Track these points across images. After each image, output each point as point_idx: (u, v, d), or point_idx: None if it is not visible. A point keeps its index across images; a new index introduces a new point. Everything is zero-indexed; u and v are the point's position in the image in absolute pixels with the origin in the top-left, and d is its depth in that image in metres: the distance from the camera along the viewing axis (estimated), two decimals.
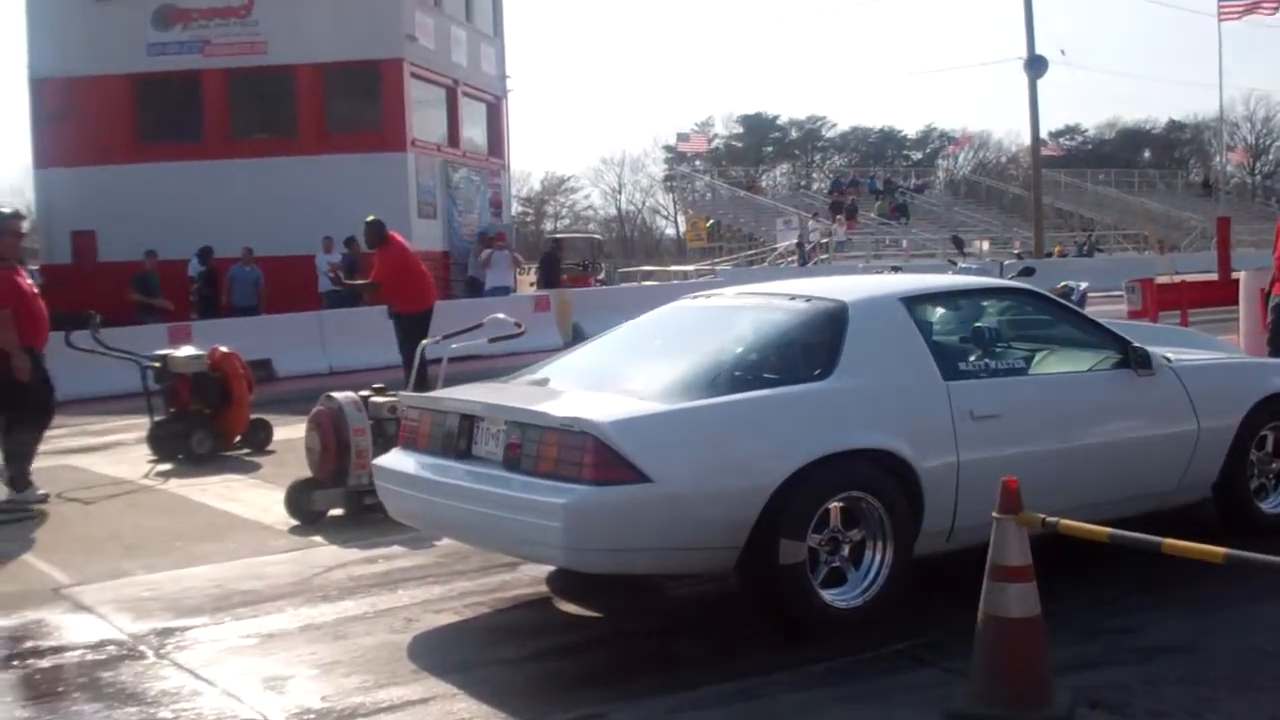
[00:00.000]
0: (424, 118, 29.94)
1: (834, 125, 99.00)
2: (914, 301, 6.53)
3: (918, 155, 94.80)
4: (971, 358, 6.61)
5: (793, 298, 6.64)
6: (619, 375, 6.40)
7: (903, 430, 6.04)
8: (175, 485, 10.70)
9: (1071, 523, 4.77)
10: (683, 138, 67.54)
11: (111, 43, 28.00)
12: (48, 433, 10.35)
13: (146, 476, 11.11)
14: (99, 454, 12.69)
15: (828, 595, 5.85)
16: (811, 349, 6.25)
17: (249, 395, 12.03)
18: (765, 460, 5.70)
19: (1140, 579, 6.48)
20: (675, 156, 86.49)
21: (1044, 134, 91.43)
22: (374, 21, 27.72)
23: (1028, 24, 38.53)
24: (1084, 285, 13.58)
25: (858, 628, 5.85)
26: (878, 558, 5.99)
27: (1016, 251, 44.07)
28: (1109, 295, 22.61)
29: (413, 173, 28.37)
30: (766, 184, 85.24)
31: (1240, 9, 43.65)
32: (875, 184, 59.19)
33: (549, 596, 6.71)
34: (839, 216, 48.42)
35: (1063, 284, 13.59)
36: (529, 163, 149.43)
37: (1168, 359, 7.01)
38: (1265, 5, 43.09)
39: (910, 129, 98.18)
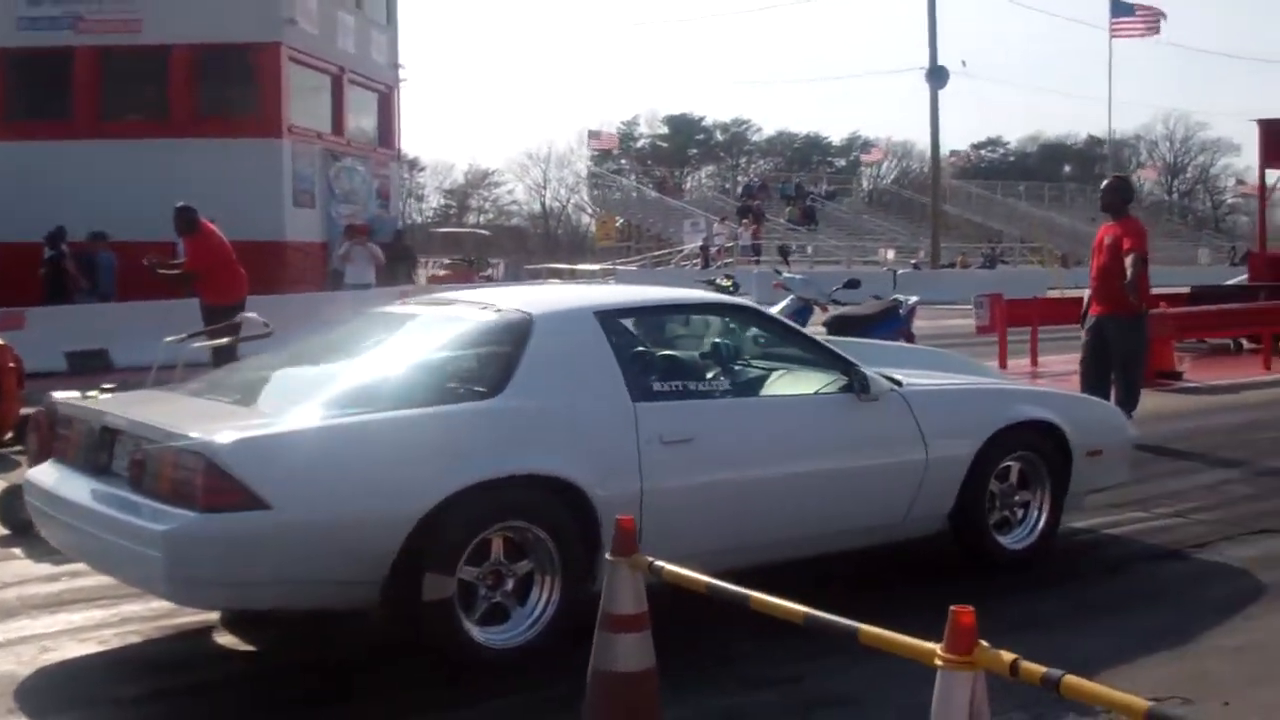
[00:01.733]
0: (306, 104, 29.17)
1: (759, 129, 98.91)
2: (611, 315, 6.07)
3: (842, 162, 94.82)
4: (671, 377, 6.16)
5: (482, 307, 6.15)
6: (276, 388, 5.89)
7: (577, 455, 5.59)
8: None
9: (675, 569, 4.31)
10: (594, 135, 67.00)
11: None
12: None
13: None
14: None
15: (483, 633, 5.38)
16: (486, 364, 5.78)
17: (19, 390, 11.34)
18: (408, 486, 5.22)
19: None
20: (600, 154, 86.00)
21: (965, 146, 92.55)
22: (252, 3, 26.93)
23: (931, 35, 38.46)
24: (913, 300, 13.22)
25: (520, 668, 5.39)
26: (545, 593, 5.53)
27: (913, 261, 44.01)
28: None
29: (288, 160, 27.60)
30: (691, 186, 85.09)
31: (1137, 25, 43.90)
32: (787, 189, 58.96)
33: (212, 626, 6.15)
34: (745, 220, 48.06)
35: (892, 298, 13.22)
36: (453, 154, 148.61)
37: (897, 383, 6.60)
38: (1152, 27, 43.37)
39: (836, 136, 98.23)
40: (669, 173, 78.60)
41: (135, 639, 6.03)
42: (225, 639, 6.06)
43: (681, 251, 46.93)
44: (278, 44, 27.26)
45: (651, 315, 6.67)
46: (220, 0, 26.73)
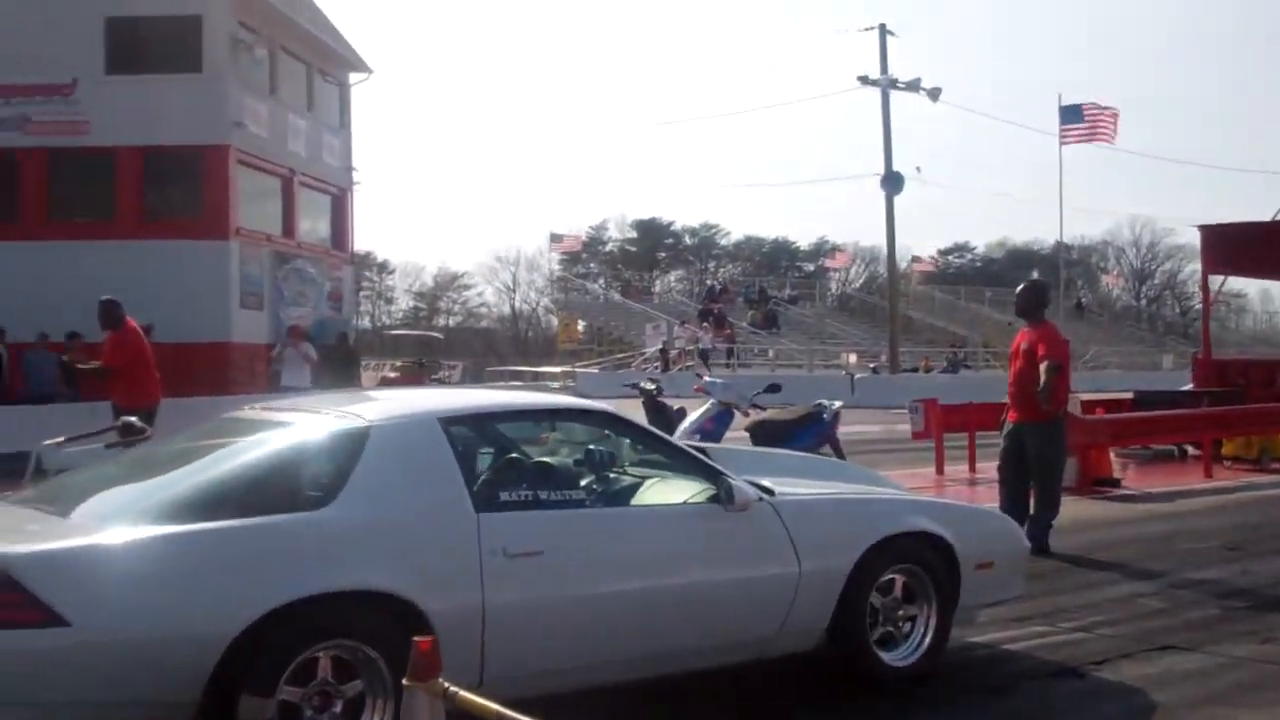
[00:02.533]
0: (256, 207, 29.14)
1: (728, 234, 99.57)
2: (457, 422, 5.81)
3: (810, 266, 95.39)
4: (522, 487, 5.88)
5: (323, 415, 5.88)
6: (98, 497, 5.56)
7: (410, 568, 5.30)
8: None
9: (468, 695, 4.01)
10: (557, 238, 67.19)
11: None
12: None
13: None
14: None
15: None
16: (318, 473, 5.48)
17: None
18: (222, 603, 4.91)
19: None
20: (568, 258, 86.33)
21: (933, 251, 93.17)
22: (199, 106, 27.01)
23: (886, 141, 38.74)
24: (837, 404, 13.02)
25: None
26: (378, 717, 5.21)
27: (872, 365, 43.99)
28: None
29: (236, 262, 27.50)
30: (659, 289, 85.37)
31: (1081, 134, 44.41)
32: (750, 293, 59.12)
33: None
34: (704, 324, 48.08)
35: (816, 403, 13.03)
36: (422, 257, 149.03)
37: (768, 493, 6.33)
38: (1102, 133, 43.90)
39: (804, 240, 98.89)
40: (633, 276, 78.85)
41: None
42: None
43: (643, 354, 46.84)
44: (226, 146, 27.30)
45: (503, 421, 6.40)
46: (168, 103, 26.80)
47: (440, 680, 4.12)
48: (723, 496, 6.12)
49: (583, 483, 6.26)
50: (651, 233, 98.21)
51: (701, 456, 6.38)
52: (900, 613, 6.74)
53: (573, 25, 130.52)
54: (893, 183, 38.98)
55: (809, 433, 12.81)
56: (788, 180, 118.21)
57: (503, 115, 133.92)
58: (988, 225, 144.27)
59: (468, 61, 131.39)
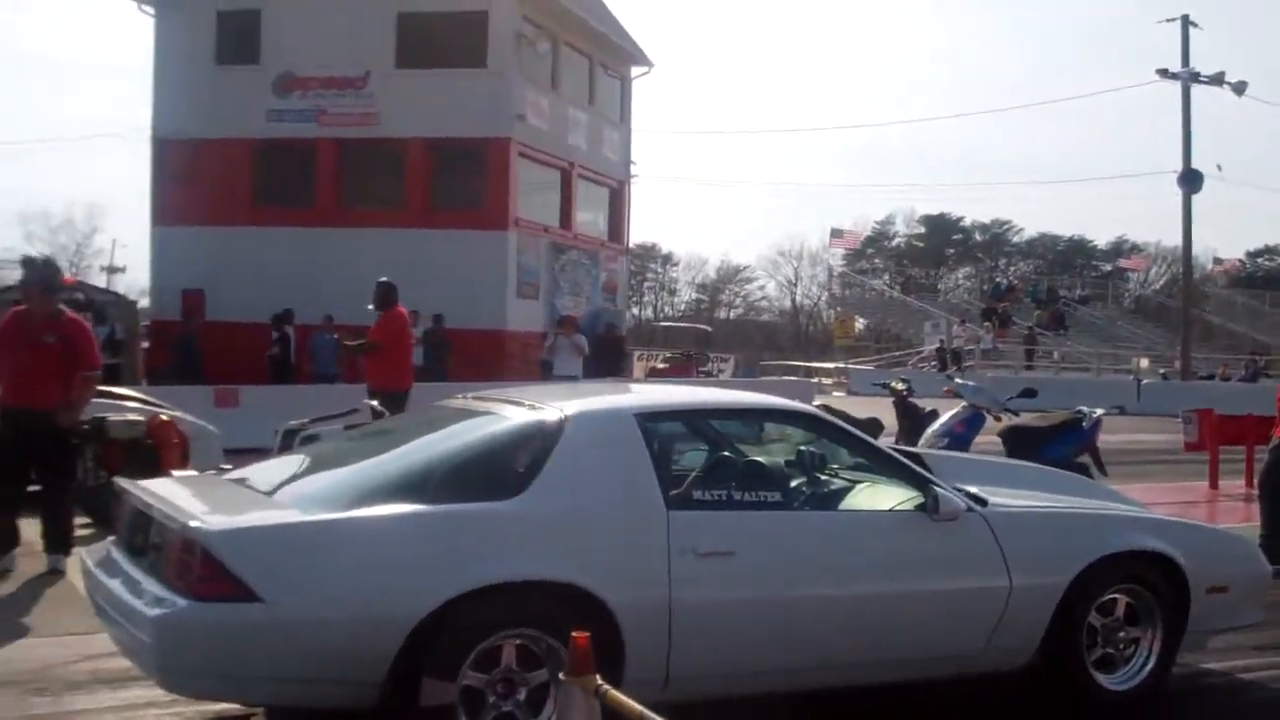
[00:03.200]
0: (535, 199, 29.87)
1: (1020, 230, 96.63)
2: (653, 418, 5.80)
3: (1107, 266, 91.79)
4: (717, 486, 5.82)
5: (523, 406, 5.95)
6: (306, 479, 5.76)
7: (596, 562, 5.31)
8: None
9: (617, 694, 3.99)
10: (837, 234, 66.43)
11: (233, 107, 28.70)
12: None
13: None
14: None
15: None
16: (511, 464, 5.54)
17: (185, 466, 11.70)
18: (410, 586, 5.03)
19: None
20: (851, 253, 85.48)
21: (1240, 253, 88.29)
22: (484, 99, 27.83)
23: (1185, 136, 36.91)
24: (1099, 413, 12.43)
25: None
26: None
27: (1162, 371, 42.02)
28: None
29: (513, 252, 28.26)
30: (946, 287, 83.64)
31: None
32: (1037, 292, 57.29)
33: (252, 713, 6.05)
34: (987, 323, 46.85)
35: (1075, 410, 12.48)
36: (706, 249, 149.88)
37: (980, 504, 6.10)
38: None
39: (1102, 239, 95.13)
40: (918, 273, 77.43)
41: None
42: None
43: (919, 353, 46.01)
44: (508, 139, 28.04)
45: (702, 419, 6.35)
46: (453, 95, 27.71)
47: (594, 676, 4.13)
48: (929, 505, 5.92)
49: (785, 485, 6.15)
50: (940, 228, 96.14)
51: (909, 463, 6.19)
52: (1122, 634, 6.42)
53: (854, 16, 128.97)
54: (1190, 181, 37.13)
55: (1066, 441, 12.27)
56: (1084, 177, 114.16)
57: (786, 107, 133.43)
58: None
59: (751, 53, 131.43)
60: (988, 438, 12.72)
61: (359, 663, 5.00)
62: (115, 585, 5.35)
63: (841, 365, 45.35)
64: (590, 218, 33.15)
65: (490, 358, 26.42)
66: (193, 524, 4.97)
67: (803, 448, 6.49)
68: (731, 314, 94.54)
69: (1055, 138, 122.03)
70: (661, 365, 34.02)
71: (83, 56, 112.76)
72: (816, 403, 20.20)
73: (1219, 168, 50.42)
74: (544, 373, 24.62)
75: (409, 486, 5.40)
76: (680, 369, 32.29)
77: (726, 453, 6.26)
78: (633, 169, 34.80)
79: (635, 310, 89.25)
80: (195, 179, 28.88)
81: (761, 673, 5.70)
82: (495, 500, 5.34)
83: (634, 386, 8.52)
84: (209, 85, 28.91)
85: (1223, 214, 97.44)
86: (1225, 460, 16.13)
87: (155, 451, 11.59)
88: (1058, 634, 6.18)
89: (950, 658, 6.08)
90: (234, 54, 29.28)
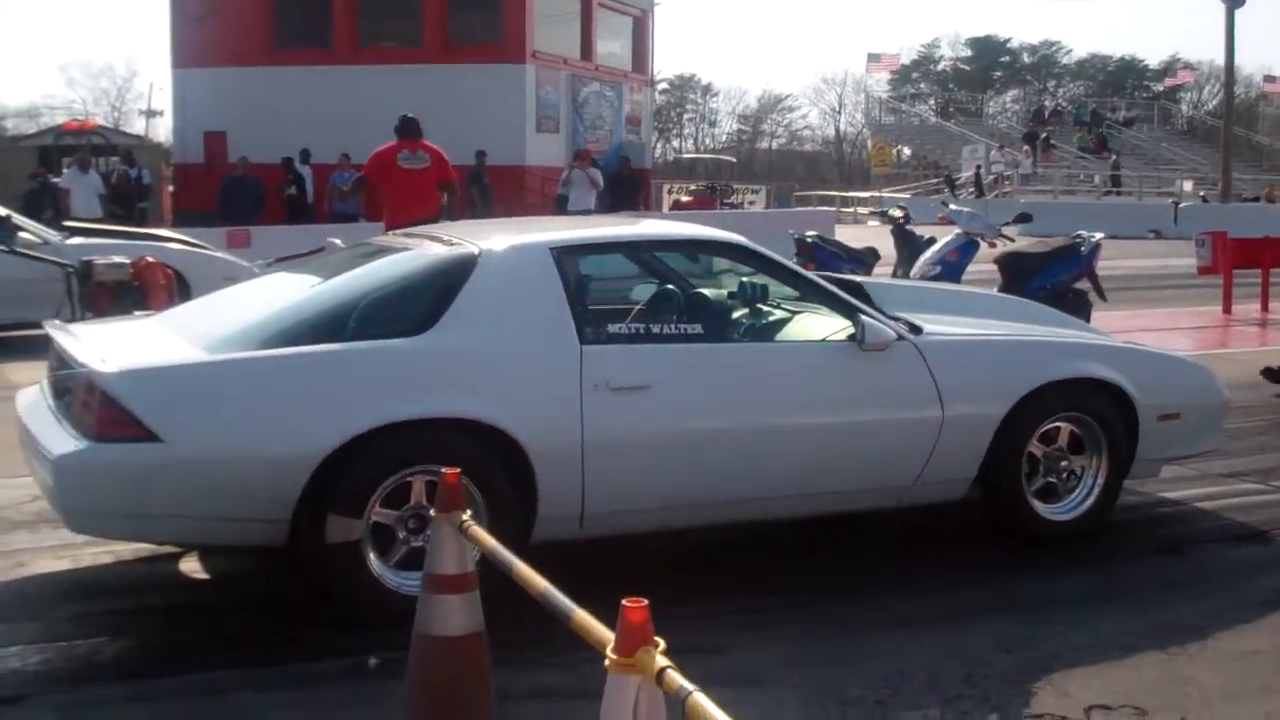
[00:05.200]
0: (554, 30, 29.34)
1: (1069, 51, 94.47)
2: (570, 252, 5.66)
3: (1159, 87, 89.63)
4: (636, 320, 5.72)
5: (438, 243, 5.84)
6: (220, 321, 5.67)
7: (506, 398, 5.25)
8: None
9: (478, 530, 3.95)
10: (874, 58, 64.92)
11: None
12: None
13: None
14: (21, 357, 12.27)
15: (398, 577, 5.13)
16: (420, 301, 5.44)
17: (170, 307, 11.71)
18: (312, 424, 5.00)
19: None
20: (895, 78, 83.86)
21: None
22: None
23: None
24: (1098, 237, 12.11)
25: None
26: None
27: (1202, 194, 41.20)
28: None
29: (531, 85, 27.88)
30: (994, 110, 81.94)
31: None
32: (1082, 114, 56.07)
33: (183, 554, 6.11)
34: (1026, 147, 45.97)
35: (1074, 235, 12.19)
36: (746, 80, 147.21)
37: (914, 331, 5.97)
38: None
39: (1154, 59, 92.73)
40: (965, 97, 75.78)
41: (107, 559, 6.05)
42: (190, 565, 6.01)
43: (956, 179, 45.28)
44: None
45: (624, 252, 6.22)
46: None
47: (461, 512, 4.09)
48: (857, 334, 5.80)
49: (711, 317, 6.03)
50: (987, 50, 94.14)
51: (838, 292, 6.04)
52: (1065, 464, 6.31)
53: None
54: None
55: (1063, 266, 11.99)
56: None
57: None
58: None
59: None
60: (985, 265, 12.50)
61: (263, 501, 4.99)
62: (35, 427, 5.36)
63: (877, 194, 44.76)
64: (613, 49, 32.55)
65: (509, 193, 26.22)
66: (94, 365, 4.95)
67: (744, 280, 6.35)
68: (774, 144, 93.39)
69: None
70: (685, 199, 33.67)
71: None
72: (842, 234, 19.98)
73: None
74: (559, 207, 24.47)
75: (319, 324, 5.34)
76: (704, 201, 31.92)
77: (649, 287, 6.15)
78: None
79: (676, 143, 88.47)
80: (214, 21, 28.52)
81: (680, 507, 5.65)
82: (403, 337, 5.27)
83: (558, 220, 8.33)
84: None
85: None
86: (1241, 284, 15.87)
87: (140, 293, 11.60)
88: (996, 464, 6.10)
89: (882, 490, 6.00)
90: None
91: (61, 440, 4.99)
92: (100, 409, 4.87)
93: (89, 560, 6.04)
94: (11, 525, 6.55)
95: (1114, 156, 47.62)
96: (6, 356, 11.82)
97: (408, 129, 12.59)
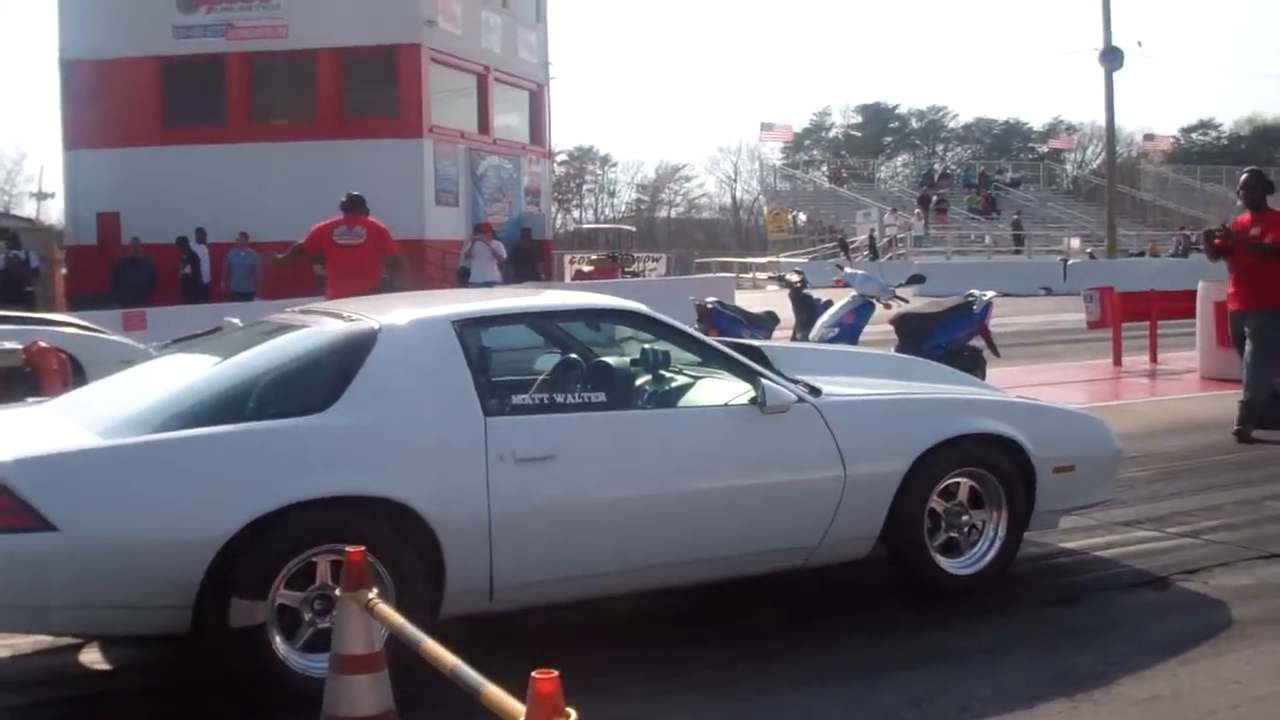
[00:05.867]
0: (451, 105, 29.47)
1: (956, 115, 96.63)
2: (472, 324, 5.68)
3: (1044, 148, 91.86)
4: (539, 390, 5.75)
5: (336, 318, 5.83)
6: (115, 404, 5.61)
7: (411, 473, 5.23)
8: None
9: (385, 609, 3.93)
10: (767, 127, 66.00)
11: (139, 25, 28.10)
12: None
13: None
14: None
15: (304, 660, 5.06)
16: (320, 378, 5.42)
17: (64, 393, 11.52)
18: (211, 508, 4.93)
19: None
20: (791, 146, 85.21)
21: (1175, 129, 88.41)
22: (393, 6, 27.42)
23: (1105, 12, 36.74)
24: (989, 295, 12.39)
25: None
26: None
27: (1089, 250, 42.26)
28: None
29: (430, 160, 27.93)
30: (885, 175, 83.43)
31: None
32: (970, 177, 57.32)
33: (83, 644, 5.98)
34: (918, 210, 46.88)
35: (966, 294, 12.45)
36: (643, 151, 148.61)
37: (815, 394, 6.06)
38: None
39: (1039, 121, 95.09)
40: (857, 163, 77.14)
41: (4, 653, 5.90)
42: (91, 656, 5.89)
43: (852, 243, 45.99)
44: (418, 45, 27.59)
45: (526, 323, 6.28)
46: (362, 3, 27.19)
47: (367, 591, 4.07)
48: (758, 398, 5.87)
49: (613, 385, 6.07)
50: (876, 117, 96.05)
51: (738, 356, 6.11)
52: (965, 518, 6.41)
53: None
54: (1111, 58, 37.08)
55: (957, 325, 12.23)
56: (1019, 57, 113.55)
57: (717, 5, 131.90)
58: (1237, 102, 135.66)
59: None
60: (881, 326, 12.70)
61: (164, 588, 4.91)
62: None
63: (775, 259, 45.25)
64: (511, 122, 32.74)
65: (410, 267, 26.14)
66: None
67: (646, 347, 6.40)
68: (673, 213, 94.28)
69: (988, 18, 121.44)
70: (587, 268, 33.84)
71: None
72: (741, 299, 20.18)
73: (1139, 44, 50.28)
74: (461, 280, 24.47)
75: (218, 405, 5.29)
76: (606, 271, 32.12)
77: (553, 356, 6.19)
78: (552, 70, 34.36)
79: (576, 213, 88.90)
80: (104, 100, 28.28)
81: (592, 576, 5.65)
82: (303, 415, 5.24)
83: (457, 293, 8.35)
84: (113, 4, 28.25)
85: (1157, 90, 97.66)
86: (1130, 336, 16.27)
87: (34, 379, 11.40)
88: (898, 522, 6.18)
89: (788, 551, 6.05)
90: None
91: None
92: None
93: None
94: None
95: (1016, 215, 48.65)
96: None
97: (348, 205, 12.72)
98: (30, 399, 7.06)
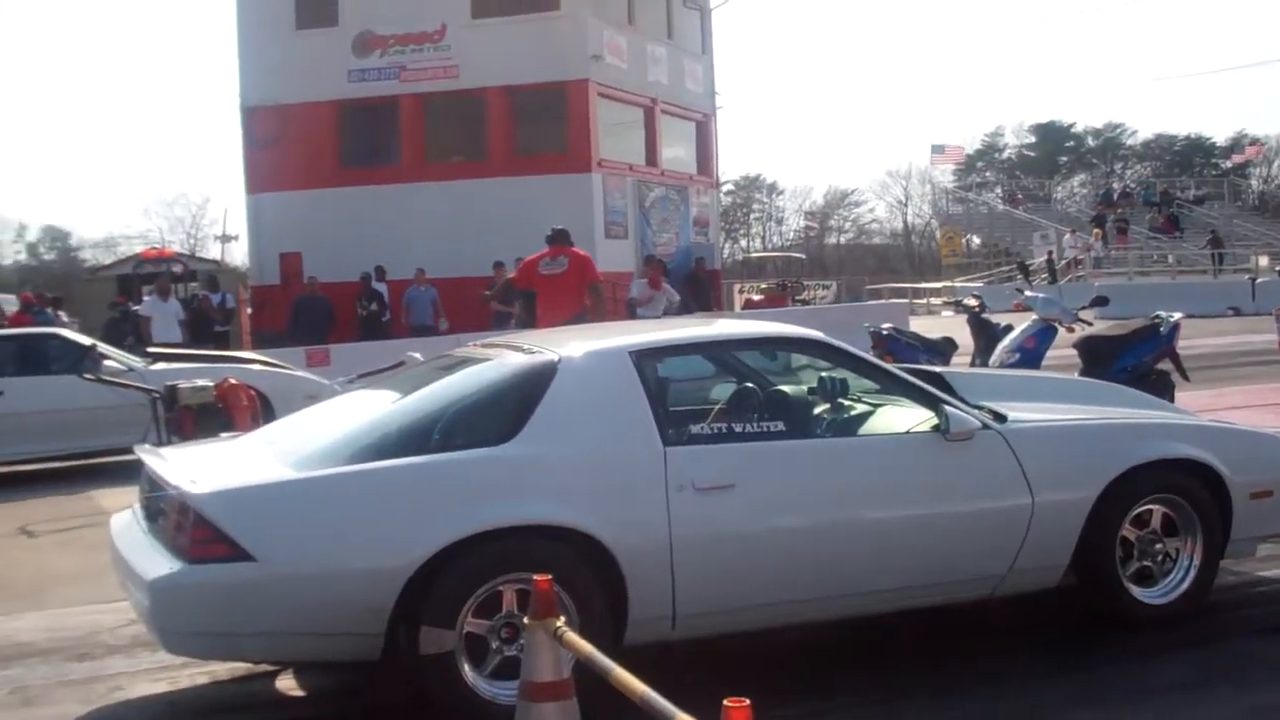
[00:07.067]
0: (619, 138, 29.75)
1: (1134, 132, 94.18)
2: (649, 355, 5.71)
3: (1227, 164, 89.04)
4: (718, 419, 5.74)
5: (521, 351, 5.91)
6: (307, 437, 5.76)
7: (593, 502, 5.27)
8: None
9: (573, 636, 3.96)
10: (938, 150, 65.03)
11: (316, 71, 28.91)
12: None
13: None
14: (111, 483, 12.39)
15: (492, 688, 5.13)
16: (502, 410, 5.51)
17: (255, 429, 11.88)
18: (400, 538, 5.05)
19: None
20: (962, 168, 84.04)
21: None
22: (560, 43, 27.75)
23: None
24: (1176, 316, 12.00)
25: None
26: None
27: (1279, 269, 40.68)
28: None
29: (599, 194, 28.21)
30: (1061, 195, 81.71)
31: None
32: (1151, 195, 55.72)
33: (276, 673, 6.14)
34: (1096, 230, 45.73)
35: (1153, 316, 12.08)
36: (811, 177, 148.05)
37: (998, 420, 5.94)
38: None
39: (1221, 135, 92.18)
40: (1031, 183, 75.71)
41: (204, 680, 6.10)
42: (287, 683, 6.05)
43: (1030, 265, 45.04)
44: (585, 81, 27.91)
45: (702, 352, 6.27)
46: (529, 42, 27.66)
47: (555, 619, 4.11)
48: (941, 425, 5.78)
49: (792, 414, 6.03)
50: (1051, 136, 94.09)
51: (920, 383, 6.03)
52: (1159, 546, 6.22)
53: None
54: None
55: (1144, 348, 11.86)
56: (1200, 71, 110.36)
57: (882, 24, 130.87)
58: None
59: None
60: (1064, 351, 12.39)
61: (356, 615, 5.04)
62: (129, 551, 5.46)
63: (949, 284, 44.56)
64: (678, 153, 32.91)
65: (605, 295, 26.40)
66: (186, 488, 5.04)
67: (824, 375, 6.37)
68: (842, 239, 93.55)
69: (1165, 31, 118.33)
70: (757, 297, 33.80)
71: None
72: (916, 324, 19.93)
73: None
74: (628, 312, 24.62)
75: (404, 437, 5.42)
76: (775, 299, 32.02)
77: (730, 386, 6.18)
78: (718, 100, 34.48)
79: (744, 242, 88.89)
80: (283, 144, 29.21)
81: (774, 605, 5.62)
82: (487, 446, 5.32)
83: (637, 324, 8.35)
84: (290, 51, 29.17)
85: None
86: None
87: (225, 415, 11.78)
88: (1089, 550, 6.02)
89: (974, 580, 5.94)
90: (313, 18, 29.47)
91: (155, 563, 5.08)
92: (193, 530, 4.95)
93: (186, 682, 6.10)
94: (109, 649, 6.64)
95: (1212, 233, 47.15)
96: (97, 483, 12.04)
97: (553, 238, 13.21)
98: (223, 434, 7.29)
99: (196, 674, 6.16)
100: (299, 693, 5.99)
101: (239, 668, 6.12)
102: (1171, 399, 10.82)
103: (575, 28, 28.00)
